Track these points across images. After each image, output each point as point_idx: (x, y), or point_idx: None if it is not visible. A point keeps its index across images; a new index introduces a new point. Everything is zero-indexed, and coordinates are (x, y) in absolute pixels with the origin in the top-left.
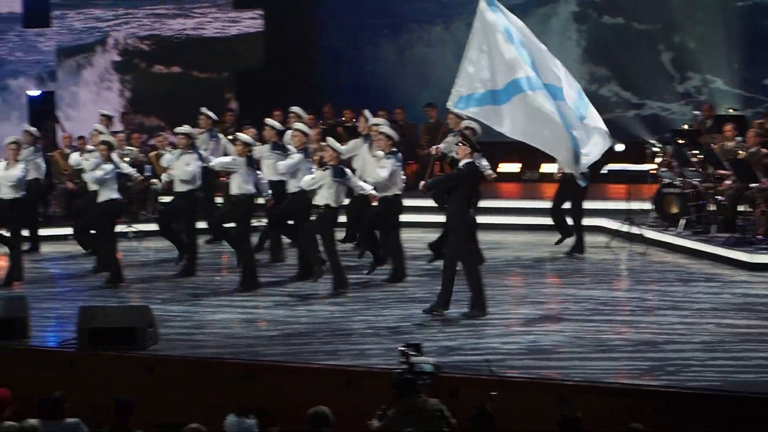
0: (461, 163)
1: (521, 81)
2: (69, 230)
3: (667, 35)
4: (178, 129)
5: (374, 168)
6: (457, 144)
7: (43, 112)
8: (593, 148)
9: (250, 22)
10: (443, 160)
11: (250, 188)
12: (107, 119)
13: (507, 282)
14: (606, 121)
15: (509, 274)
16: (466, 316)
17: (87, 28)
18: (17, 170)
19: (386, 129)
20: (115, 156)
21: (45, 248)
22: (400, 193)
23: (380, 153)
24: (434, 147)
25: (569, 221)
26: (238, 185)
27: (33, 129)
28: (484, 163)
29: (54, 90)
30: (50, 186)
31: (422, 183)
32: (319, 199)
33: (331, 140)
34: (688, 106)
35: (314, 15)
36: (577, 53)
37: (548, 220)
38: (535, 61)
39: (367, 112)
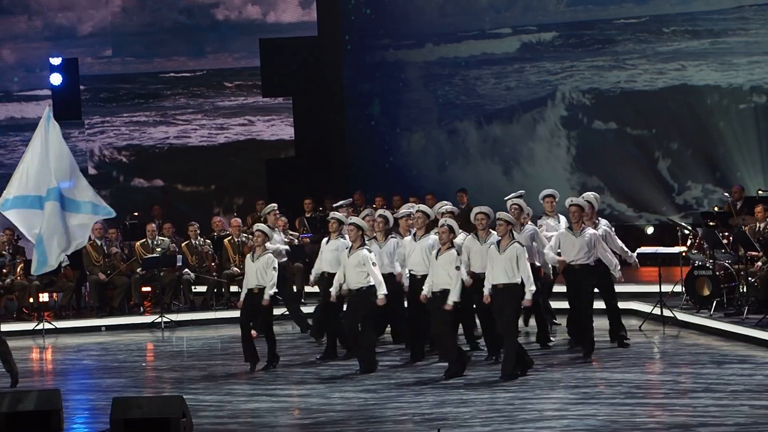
0: None
1: (52, 191)
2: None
3: (663, 141)
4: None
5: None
6: None
7: None
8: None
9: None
10: None
11: None
12: None
13: (538, 366)
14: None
15: (536, 359)
16: None
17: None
18: None
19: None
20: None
21: (78, 340)
22: None
23: None
24: None
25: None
26: None
27: None
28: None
29: None
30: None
31: None
32: None
33: None
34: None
35: None
36: (566, 161)
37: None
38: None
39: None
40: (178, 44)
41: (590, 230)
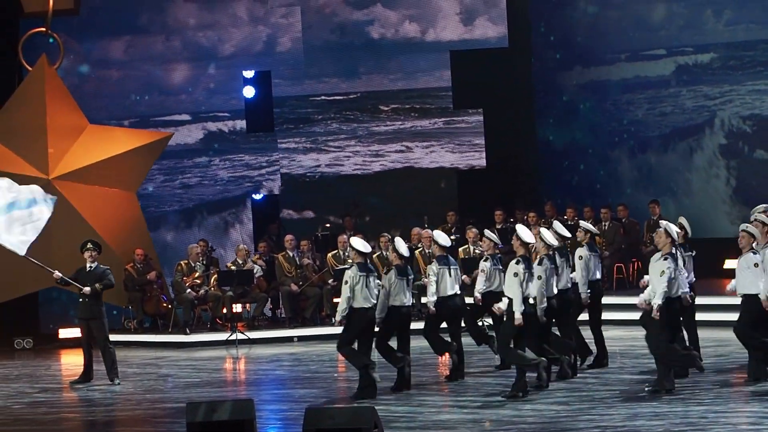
0: None
1: None
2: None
3: None
4: None
5: None
6: None
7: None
8: None
9: None
10: None
11: None
12: None
13: (732, 379)
14: None
15: (731, 372)
16: None
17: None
18: None
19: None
20: None
21: (271, 350)
22: None
23: None
24: None
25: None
26: None
27: None
28: None
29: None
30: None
31: None
32: None
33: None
34: None
35: None
36: (725, 193)
37: None
38: None
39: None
40: (330, 65)
41: None
